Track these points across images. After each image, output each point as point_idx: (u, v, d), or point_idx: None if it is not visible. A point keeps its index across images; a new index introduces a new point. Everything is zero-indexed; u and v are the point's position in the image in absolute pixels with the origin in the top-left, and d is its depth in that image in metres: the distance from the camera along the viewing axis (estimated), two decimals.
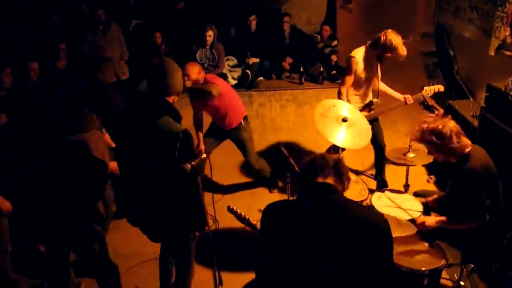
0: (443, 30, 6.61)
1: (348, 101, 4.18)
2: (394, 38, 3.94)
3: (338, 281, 1.75)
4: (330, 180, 1.89)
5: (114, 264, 3.17)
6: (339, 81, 6.53)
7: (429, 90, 4.31)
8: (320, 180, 1.89)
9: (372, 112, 4.31)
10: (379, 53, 4.02)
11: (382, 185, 4.42)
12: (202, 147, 4.37)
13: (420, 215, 3.15)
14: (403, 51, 3.96)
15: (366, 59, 4.11)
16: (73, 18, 6.60)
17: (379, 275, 1.77)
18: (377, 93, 4.33)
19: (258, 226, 2.44)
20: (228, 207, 2.69)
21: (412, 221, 3.09)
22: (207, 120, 4.55)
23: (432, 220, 3.00)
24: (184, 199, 2.61)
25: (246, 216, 2.53)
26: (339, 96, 4.19)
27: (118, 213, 4.32)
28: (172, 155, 2.47)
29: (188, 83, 3.93)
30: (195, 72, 3.98)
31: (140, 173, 2.64)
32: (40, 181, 2.80)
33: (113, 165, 3.23)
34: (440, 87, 4.34)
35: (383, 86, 4.37)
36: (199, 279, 3.19)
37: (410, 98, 4.25)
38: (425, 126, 2.95)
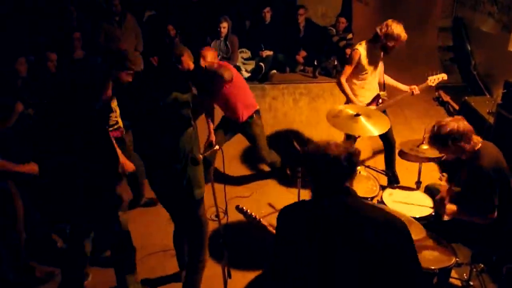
0: (461, 24, 6.49)
1: (354, 94, 4.18)
2: (395, 27, 3.95)
3: (360, 283, 1.73)
4: (347, 183, 1.86)
5: (133, 247, 3.25)
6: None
7: (433, 79, 4.31)
8: (337, 184, 1.84)
9: (380, 105, 4.28)
10: (382, 44, 4.02)
11: (393, 181, 4.40)
12: (213, 137, 4.39)
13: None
14: (405, 37, 3.98)
15: (370, 52, 4.11)
16: (89, 9, 6.63)
17: (404, 277, 1.74)
18: (383, 86, 4.30)
19: (268, 227, 2.41)
20: (237, 207, 2.66)
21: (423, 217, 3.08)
22: (217, 115, 4.56)
23: (451, 207, 2.99)
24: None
25: (257, 216, 2.50)
26: (340, 86, 4.24)
27: (131, 203, 4.38)
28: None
29: (203, 63, 4.00)
30: (211, 56, 4.08)
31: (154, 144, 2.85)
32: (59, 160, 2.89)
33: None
34: (443, 76, 4.34)
35: (387, 79, 4.37)
36: (208, 273, 3.22)
37: (416, 89, 4.26)
38: (439, 130, 2.92)
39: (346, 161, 1.82)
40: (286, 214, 1.94)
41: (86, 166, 2.83)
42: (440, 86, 6.02)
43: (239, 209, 2.57)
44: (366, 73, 4.18)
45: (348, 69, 4.18)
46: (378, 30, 4.00)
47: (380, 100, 4.29)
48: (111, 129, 3.58)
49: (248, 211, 2.52)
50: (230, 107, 4.33)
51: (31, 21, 5.86)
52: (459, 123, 2.88)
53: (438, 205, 3.04)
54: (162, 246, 3.82)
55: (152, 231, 4.07)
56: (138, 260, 3.51)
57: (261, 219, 2.46)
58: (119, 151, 3.51)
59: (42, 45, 5.28)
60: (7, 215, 3.22)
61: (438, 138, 2.93)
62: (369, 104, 4.23)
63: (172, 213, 3.17)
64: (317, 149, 1.88)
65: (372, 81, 4.27)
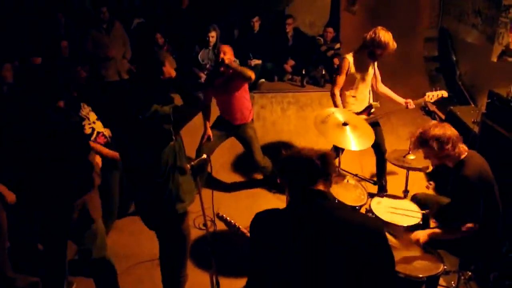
0: (446, 35, 6.59)
1: (344, 102, 4.19)
2: (383, 34, 3.94)
3: (336, 286, 1.74)
4: (321, 187, 1.86)
5: (111, 263, 3.18)
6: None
7: (432, 95, 4.31)
8: (310, 188, 1.85)
9: (371, 115, 4.30)
10: (369, 50, 4.02)
11: (382, 190, 4.42)
12: (210, 132, 4.37)
13: (413, 232, 3.09)
14: (394, 46, 3.97)
15: (358, 59, 4.12)
16: (78, 16, 6.60)
17: (380, 279, 1.76)
18: (377, 96, 4.33)
19: (247, 234, 2.41)
20: (217, 214, 2.66)
21: (409, 228, 3.09)
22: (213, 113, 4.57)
23: (424, 233, 2.99)
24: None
25: (237, 224, 2.50)
26: (333, 97, 4.23)
27: (119, 211, 4.34)
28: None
29: (225, 58, 4.05)
30: (231, 53, 4.15)
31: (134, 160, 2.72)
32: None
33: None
34: (443, 93, 4.35)
35: (384, 89, 4.37)
36: (196, 282, 3.19)
37: (411, 103, 4.25)
38: (425, 132, 2.96)
39: (319, 160, 1.87)
40: (260, 220, 1.92)
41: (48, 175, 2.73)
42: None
43: (219, 217, 2.60)
44: (355, 80, 4.17)
45: (339, 79, 4.16)
46: (367, 36, 3.99)
47: (372, 110, 4.30)
48: (92, 138, 3.49)
49: (228, 218, 2.53)
50: (234, 108, 4.34)
51: (20, 27, 5.81)
52: (445, 128, 2.93)
53: (417, 243, 3.01)
54: (151, 255, 3.77)
55: (140, 240, 4.02)
56: (125, 270, 3.48)
57: (240, 227, 2.47)
58: (104, 150, 3.49)
59: (29, 52, 5.24)
60: None
61: (422, 140, 2.96)
62: (359, 114, 4.24)
63: (152, 228, 3.01)
64: (291, 152, 1.95)
65: (363, 90, 4.26)
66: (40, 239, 3.67)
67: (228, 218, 2.54)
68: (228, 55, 4.11)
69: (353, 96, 4.24)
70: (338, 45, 6.90)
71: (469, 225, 2.86)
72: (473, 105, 5.62)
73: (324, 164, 1.87)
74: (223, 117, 4.47)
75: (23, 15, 6.05)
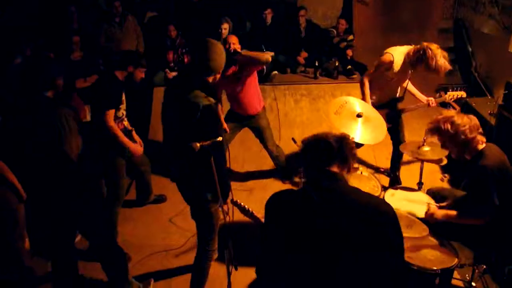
0: (462, 26, 6.49)
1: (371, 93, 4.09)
2: (436, 55, 3.66)
3: (347, 269, 1.75)
4: (334, 169, 1.86)
5: (122, 251, 3.22)
6: (354, 75, 6.53)
7: (452, 95, 4.25)
8: (324, 169, 1.85)
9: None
10: (414, 62, 3.78)
11: (395, 182, 4.39)
12: (225, 125, 4.37)
13: (430, 205, 3.11)
14: (441, 68, 3.71)
15: (404, 61, 3.89)
16: (90, 10, 6.64)
17: (390, 261, 1.76)
18: (404, 91, 4.24)
19: (261, 219, 2.43)
20: (232, 200, 2.70)
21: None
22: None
23: (441, 212, 2.98)
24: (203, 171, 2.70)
25: (250, 209, 2.52)
26: (361, 86, 4.09)
27: (138, 201, 4.40)
28: (192, 125, 2.61)
29: (236, 47, 4.06)
30: (237, 41, 4.14)
31: (172, 140, 2.84)
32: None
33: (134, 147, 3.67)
34: (463, 94, 4.28)
35: (410, 86, 4.26)
36: (210, 274, 3.21)
37: (433, 101, 4.16)
38: (441, 117, 2.96)
39: (336, 142, 1.86)
40: (275, 200, 1.96)
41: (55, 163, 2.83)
42: (442, 87, 6.04)
43: (233, 203, 2.61)
44: (389, 79, 4.04)
45: (375, 72, 4.02)
46: (422, 52, 3.70)
47: (398, 104, 4.24)
48: (117, 121, 3.65)
49: (242, 204, 2.54)
50: (246, 97, 4.32)
51: (32, 22, 5.86)
52: (460, 115, 2.93)
53: (429, 218, 3.01)
54: (164, 246, 3.82)
55: (153, 231, 4.06)
56: (138, 261, 3.51)
57: (254, 212, 2.48)
58: (124, 139, 3.61)
59: (41, 46, 5.29)
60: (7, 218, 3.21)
61: (436, 123, 2.96)
62: (382, 107, 4.13)
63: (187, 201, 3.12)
64: (311, 136, 1.95)
65: (392, 88, 4.17)
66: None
67: (242, 204, 2.56)
68: (236, 44, 4.11)
69: (377, 92, 4.12)
70: (351, 37, 6.83)
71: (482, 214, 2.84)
72: (489, 97, 5.54)
73: (341, 147, 1.86)
74: (234, 110, 4.48)
75: (36, 8, 6.09)
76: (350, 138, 1.93)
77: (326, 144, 1.87)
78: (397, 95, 4.27)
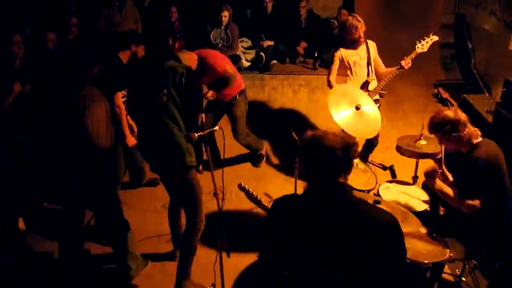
0: (463, 21, 6.47)
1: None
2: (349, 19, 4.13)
3: (348, 279, 1.72)
4: (341, 179, 1.77)
5: (127, 222, 3.32)
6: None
7: (422, 45, 4.13)
8: (329, 179, 1.76)
9: (373, 90, 4.25)
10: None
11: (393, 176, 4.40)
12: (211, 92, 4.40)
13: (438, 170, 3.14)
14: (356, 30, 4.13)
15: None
16: None
17: (392, 273, 1.73)
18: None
19: (268, 206, 2.42)
20: (239, 185, 2.68)
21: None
22: None
23: (439, 184, 3.03)
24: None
25: (258, 196, 2.51)
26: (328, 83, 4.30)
27: (132, 183, 4.41)
28: (179, 86, 2.82)
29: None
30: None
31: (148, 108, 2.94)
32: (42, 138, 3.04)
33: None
34: (434, 38, 4.16)
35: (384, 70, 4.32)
36: (203, 262, 3.23)
37: (406, 60, 4.09)
38: (437, 115, 2.99)
39: (342, 152, 1.73)
40: (278, 207, 1.90)
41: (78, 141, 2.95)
42: (440, 83, 6.04)
43: (241, 188, 2.59)
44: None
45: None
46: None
47: (369, 86, 4.26)
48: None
49: (250, 190, 2.52)
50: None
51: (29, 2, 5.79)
52: (456, 111, 2.97)
53: (429, 176, 3.07)
54: (157, 231, 3.83)
55: (147, 216, 4.07)
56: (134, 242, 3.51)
57: (262, 199, 2.47)
58: (125, 126, 3.77)
59: (39, 22, 5.23)
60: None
61: (435, 124, 2.98)
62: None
63: (164, 177, 3.30)
64: (312, 138, 1.80)
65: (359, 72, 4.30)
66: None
67: (250, 190, 2.54)
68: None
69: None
70: None
71: (473, 202, 2.87)
72: (487, 94, 5.54)
73: (346, 156, 1.75)
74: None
75: None
76: (355, 142, 1.81)
77: (332, 156, 1.74)
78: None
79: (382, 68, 4.32)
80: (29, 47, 4.40)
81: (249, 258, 3.52)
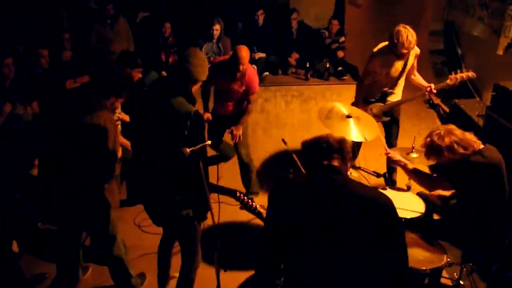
0: (452, 28, 6.56)
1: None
2: (399, 31, 3.82)
3: (351, 260, 1.81)
4: (335, 163, 1.94)
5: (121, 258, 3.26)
6: (345, 77, 6.57)
7: (457, 78, 4.00)
8: (325, 163, 1.94)
9: (388, 104, 4.24)
10: (389, 47, 3.94)
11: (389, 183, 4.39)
12: (209, 115, 4.34)
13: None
14: (400, 44, 3.82)
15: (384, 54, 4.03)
16: (79, 10, 6.60)
17: (392, 250, 1.83)
18: (395, 84, 4.22)
19: (264, 213, 2.44)
20: (236, 196, 2.67)
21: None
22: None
23: (397, 157, 3.22)
24: (186, 183, 2.68)
25: (255, 206, 2.51)
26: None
27: (126, 201, 4.38)
28: (182, 134, 2.56)
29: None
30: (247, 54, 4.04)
31: (149, 152, 2.74)
32: (56, 162, 2.94)
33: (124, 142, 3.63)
34: (470, 74, 4.01)
35: (414, 76, 4.27)
36: (199, 275, 3.20)
37: (433, 87, 4.06)
38: (425, 140, 2.98)
39: (336, 142, 1.99)
40: (278, 191, 2.03)
41: (83, 165, 2.87)
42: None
43: (237, 199, 2.58)
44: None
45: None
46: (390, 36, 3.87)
47: (388, 98, 4.23)
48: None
49: (245, 199, 2.52)
50: (235, 99, 4.28)
51: (21, 19, 5.83)
52: (439, 134, 2.90)
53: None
54: (153, 247, 3.78)
55: (143, 232, 4.05)
56: (130, 261, 3.50)
57: (258, 206, 2.49)
58: (122, 139, 3.61)
59: (32, 43, 5.25)
60: None
61: (426, 152, 3.00)
62: (375, 102, 4.23)
63: (159, 218, 3.02)
64: (310, 138, 2.07)
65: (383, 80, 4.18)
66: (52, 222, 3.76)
67: (245, 199, 2.53)
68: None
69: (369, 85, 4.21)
70: (342, 38, 6.87)
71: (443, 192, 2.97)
72: (478, 99, 5.60)
73: (340, 146, 1.97)
74: (217, 113, 4.39)
75: (25, 6, 6.05)
76: (348, 140, 2.03)
77: (326, 142, 1.97)
78: (387, 88, 4.24)
79: (417, 77, 4.26)
80: (22, 64, 4.42)
81: (246, 273, 3.51)
